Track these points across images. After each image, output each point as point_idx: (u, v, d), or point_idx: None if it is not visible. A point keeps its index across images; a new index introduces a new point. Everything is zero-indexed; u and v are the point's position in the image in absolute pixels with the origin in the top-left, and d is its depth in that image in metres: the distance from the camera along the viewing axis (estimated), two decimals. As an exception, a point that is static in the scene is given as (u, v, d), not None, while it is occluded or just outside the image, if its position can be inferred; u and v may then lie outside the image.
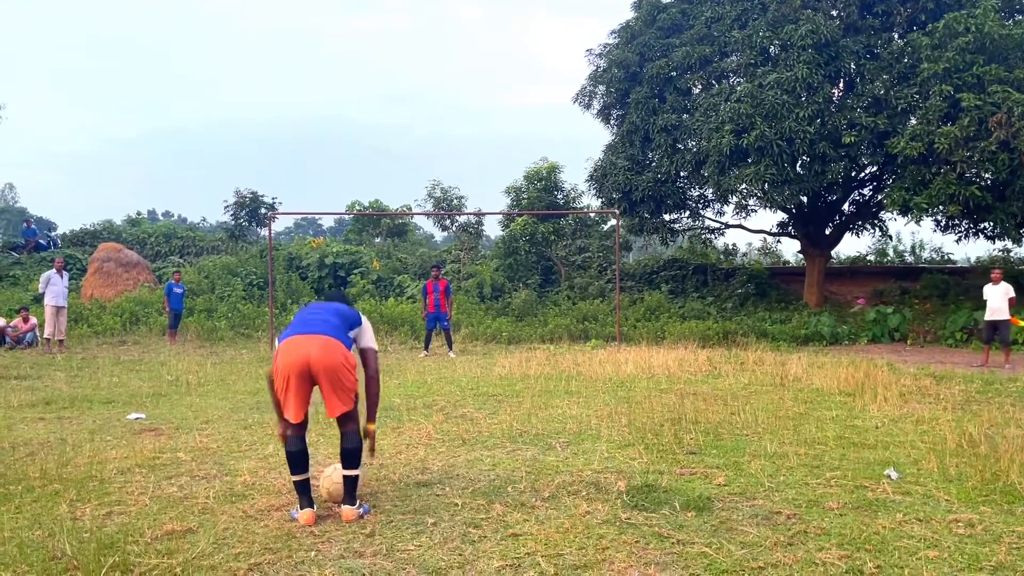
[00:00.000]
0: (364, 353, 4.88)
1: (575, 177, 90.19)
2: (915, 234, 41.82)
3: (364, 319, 4.98)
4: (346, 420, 4.74)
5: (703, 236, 25.56)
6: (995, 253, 25.22)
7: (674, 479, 5.53)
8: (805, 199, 21.57)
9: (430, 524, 4.55)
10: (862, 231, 23.69)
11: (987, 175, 17.88)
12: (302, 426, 4.68)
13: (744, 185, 19.95)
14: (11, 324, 17.53)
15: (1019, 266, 23.87)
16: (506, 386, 10.57)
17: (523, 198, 25.75)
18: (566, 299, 22.78)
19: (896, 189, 18.29)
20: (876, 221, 23.29)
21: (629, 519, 4.61)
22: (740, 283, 23.26)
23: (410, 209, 30.26)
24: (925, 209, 17.96)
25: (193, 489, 5.35)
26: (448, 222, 28.44)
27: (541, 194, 25.52)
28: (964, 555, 3.99)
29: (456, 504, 4.94)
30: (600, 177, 22.83)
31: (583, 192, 25.47)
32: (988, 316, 13.90)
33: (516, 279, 24.55)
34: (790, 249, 41.68)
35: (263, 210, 28.46)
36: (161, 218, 78.57)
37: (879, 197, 21.42)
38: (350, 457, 4.72)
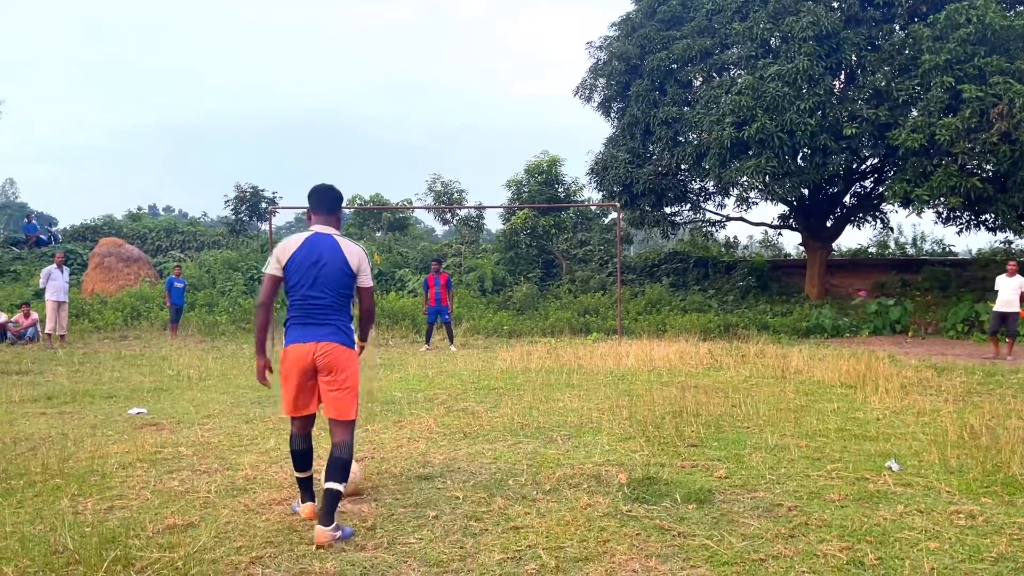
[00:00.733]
0: (361, 292, 4.52)
1: (576, 170, 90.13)
2: (916, 226, 41.89)
3: (363, 251, 4.54)
4: (342, 428, 4.40)
5: (704, 229, 25.53)
6: (996, 245, 25.19)
7: (675, 472, 5.53)
8: (806, 191, 21.54)
9: (431, 517, 4.55)
10: (863, 223, 23.66)
11: (988, 167, 17.85)
12: (307, 424, 4.54)
13: (745, 178, 19.92)
14: (12, 319, 17.55)
15: (1020, 258, 23.82)
16: (507, 379, 10.58)
17: (524, 191, 25.72)
18: (567, 292, 22.77)
19: (897, 181, 18.26)
20: (877, 213, 23.26)
21: (630, 512, 4.62)
22: (741, 276, 23.24)
23: (411, 203, 30.24)
24: (926, 201, 17.93)
25: (194, 483, 5.35)
26: (449, 216, 28.43)
27: (542, 187, 25.49)
28: (965, 546, 3.99)
29: (457, 497, 4.94)
30: (601, 170, 22.79)
31: (584, 185, 25.47)
32: (998, 307, 13.84)
33: (517, 273, 24.53)
34: (791, 242, 41.70)
35: (264, 204, 28.43)
36: (162, 213, 78.56)
37: (880, 189, 21.39)
38: (338, 469, 4.30)
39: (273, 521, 4.50)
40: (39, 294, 17.82)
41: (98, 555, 3.82)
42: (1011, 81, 16.51)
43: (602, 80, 23.37)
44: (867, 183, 22.61)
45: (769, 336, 17.37)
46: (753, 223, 25.11)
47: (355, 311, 4.59)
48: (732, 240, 29.02)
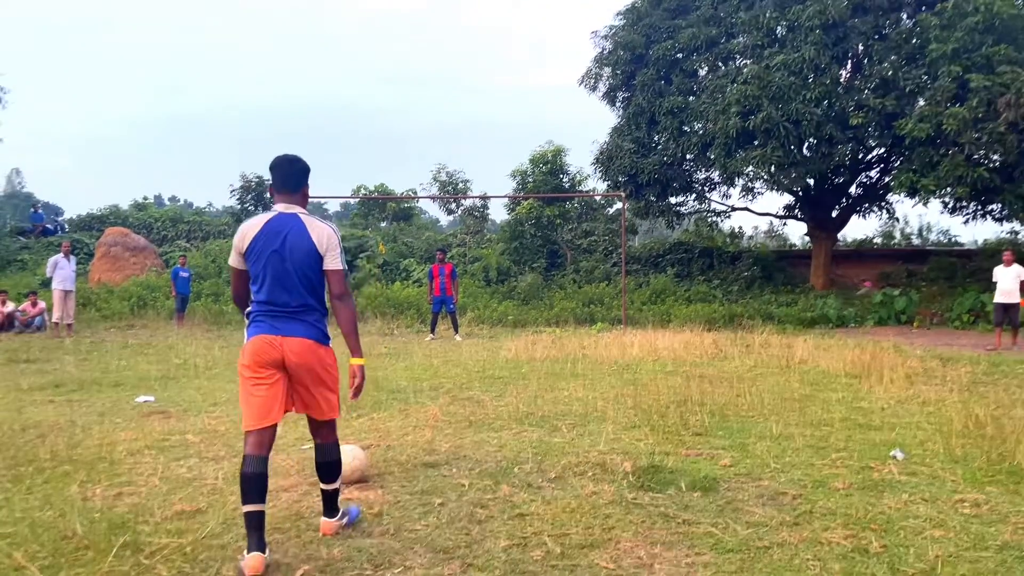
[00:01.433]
0: (329, 277, 3.88)
1: (581, 160, 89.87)
2: (922, 216, 41.78)
3: (332, 231, 3.91)
4: (327, 428, 4.06)
5: (709, 219, 25.51)
6: (1003, 235, 25.11)
7: (680, 460, 5.55)
8: (812, 181, 21.50)
9: (437, 504, 4.58)
10: (869, 213, 23.64)
11: (995, 157, 17.79)
12: (266, 440, 3.83)
13: (750, 167, 19.90)
14: (20, 308, 17.62)
15: (1026, 248, 23.76)
16: (512, 369, 10.60)
17: (529, 181, 25.70)
18: (572, 283, 22.79)
19: (904, 171, 18.22)
20: (883, 203, 23.22)
21: (635, 499, 4.64)
22: (746, 266, 23.23)
23: (415, 193, 30.24)
24: (933, 191, 17.89)
25: (202, 470, 5.38)
26: (454, 206, 28.43)
27: (547, 177, 25.47)
28: (970, 534, 4.00)
29: (463, 485, 4.97)
30: (606, 160, 22.77)
31: (589, 175, 25.44)
32: (998, 298, 13.80)
33: (522, 263, 24.54)
34: (796, 232, 41.62)
35: (268, 195, 28.47)
36: (167, 203, 78.67)
37: (886, 179, 21.34)
38: (330, 471, 4.05)
39: (280, 508, 4.53)
40: (46, 283, 17.89)
41: (107, 540, 3.85)
42: (1019, 70, 16.43)
43: (607, 69, 23.33)
44: (873, 173, 22.56)
45: (774, 326, 17.36)
46: (758, 213, 25.14)
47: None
48: (737, 230, 29.06)
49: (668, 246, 26.02)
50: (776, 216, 25.29)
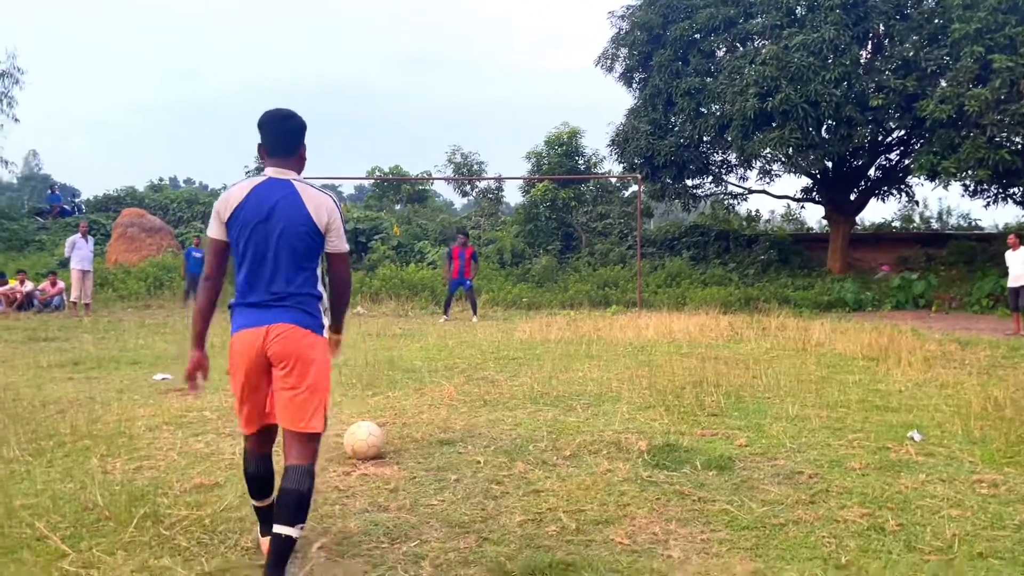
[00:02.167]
0: (332, 260, 3.38)
1: (596, 142, 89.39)
2: (942, 200, 41.30)
3: (333, 202, 3.33)
4: (302, 444, 3.22)
5: (726, 202, 25.34)
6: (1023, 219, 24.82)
7: (695, 440, 5.54)
8: (830, 164, 21.29)
9: (453, 480, 4.60)
10: (888, 197, 23.39)
11: (1018, 139, 17.54)
12: (266, 440, 3.48)
13: (768, 150, 19.72)
14: (39, 287, 17.80)
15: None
16: (527, 350, 10.61)
17: (544, 163, 25.62)
18: (586, 265, 22.74)
19: (924, 153, 18.00)
20: (902, 186, 22.98)
21: (650, 477, 4.64)
22: (763, 249, 23.08)
23: (430, 175, 30.21)
24: (953, 174, 17.68)
25: (219, 446, 5.43)
26: (468, 188, 28.40)
27: (562, 159, 25.38)
28: (987, 514, 3.98)
29: (478, 462, 4.98)
30: (622, 142, 22.64)
31: (604, 157, 25.33)
32: (1011, 283, 13.68)
33: (536, 245, 24.51)
34: (814, 215, 41.29)
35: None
36: (183, 184, 79.00)
37: (906, 162, 21.11)
38: (291, 506, 3.11)
39: (297, 482, 4.56)
40: (64, 263, 18.05)
41: (128, 512, 3.90)
42: (1043, 51, 16.17)
43: (624, 50, 23.14)
44: (893, 155, 22.31)
45: (790, 310, 17.28)
46: (776, 196, 24.90)
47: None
48: (754, 213, 28.83)
49: (684, 229, 25.89)
50: (793, 199, 25.11)
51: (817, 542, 3.62)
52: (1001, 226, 25.68)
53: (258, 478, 3.51)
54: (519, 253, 23.87)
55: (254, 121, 3.39)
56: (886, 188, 23.03)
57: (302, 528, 3.17)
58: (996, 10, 16.78)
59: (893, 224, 27.82)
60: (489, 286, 20.19)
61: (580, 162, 25.91)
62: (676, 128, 21.79)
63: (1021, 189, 19.66)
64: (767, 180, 22.65)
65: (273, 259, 3.20)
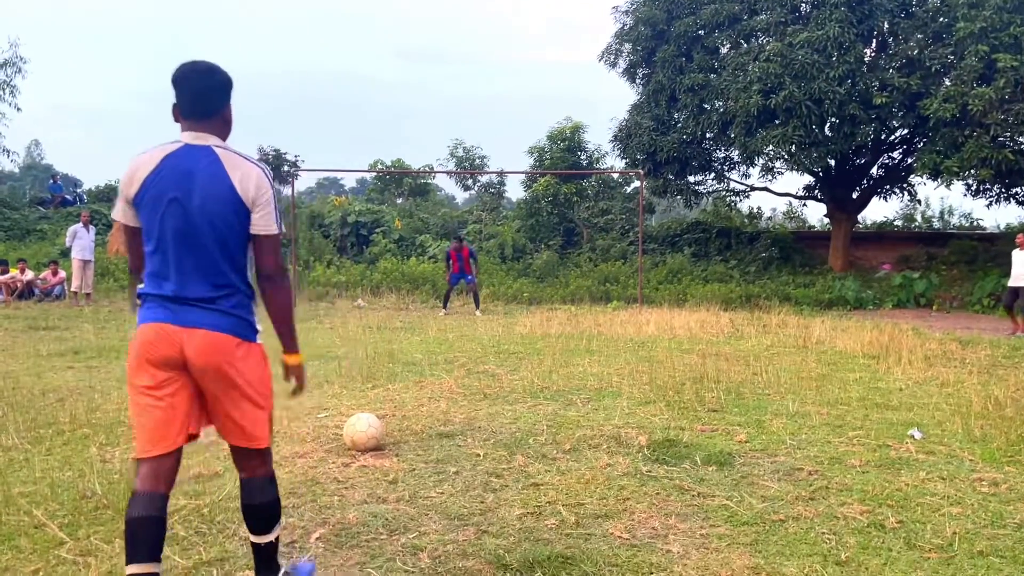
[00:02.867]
0: (259, 244, 2.75)
1: (599, 137, 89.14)
2: (944, 199, 41.08)
3: (263, 172, 2.76)
4: (256, 457, 2.91)
5: (728, 199, 25.29)
6: (1026, 219, 24.77)
7: (695, 435, 5.54)
8: (833, 162, 21.23)
9: (452, 473, 4.59)
10: (890, 195, 23.34)
11: (1021, 139, 17.49)
12: (163, 472, 2.75)
13: (771, 147, 19.66)
14: (40, 277, 17.79)
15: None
16: (527, 344, 10.60)
17: (546, 158, 25.57)
18: (588, 261, 22.70)
19: (927, 152, 17.95)
20: (905, 185, 22.93)
21: (650, 472, 4.63)
22: (764, 247, 23.04)
23: (432, 168, 30.17)
24: (956, 173, 17.64)
25: (219, 436, 5.42)
26: (470, 182, 28.36)
27: (564, 154, 25.33)
28: (987, 512, 3.97)
29: (478, 455, 4.98)
30: (625, 137, 22.59)
31: (607, 153, 25.26)
32: (1012, 282, 13.65)
33: (538, 240, 24.47)
34: (815, 213, 41.21)
35: (285, 168, 28.49)
36: (185, 176, 78.83)
37: (909, 160, 21.06)
38: (263, 517, 2.91)
39: (296, 473, 4.56)
40: (65, 253, 18.03)
41: (126, 500, 3.86)
42: (1048, 50, 16.11)
43: (628, 45, 23.07)
44: (896, 154, 22.25)
45: (791, 307, 17.25)
46: (778, 193, 24.84)
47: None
48: (756, 210, 28.77)
49: (686, 225, 25.84)
50: (796, 196, 25.05)
51: (817, 538, 3.62)
52: (1003, 226, 25.64)
53: (146, 524, 2.65)
54: (520, 248, 23.84)
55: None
56: (888, 187, 22.99)
57: (277, 531, 2.95)
58: (1001, 9, 16.71)
59: (895, 223, 27.78)
60: (490, 281, 20.17)
61: (582, 157, 25.85)
62: (679, 124, 21.73)
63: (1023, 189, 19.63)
64: (769, 177, 22.60)
65: (192, 245, 2.66)
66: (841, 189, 22.38)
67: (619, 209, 26.22)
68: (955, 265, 20.91)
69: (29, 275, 17.60)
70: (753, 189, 24.15)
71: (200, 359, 2.67)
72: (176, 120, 2.80)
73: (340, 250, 23.68)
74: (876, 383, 7.76)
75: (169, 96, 2.80)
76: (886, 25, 19.19)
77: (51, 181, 32.73)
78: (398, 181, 31.51)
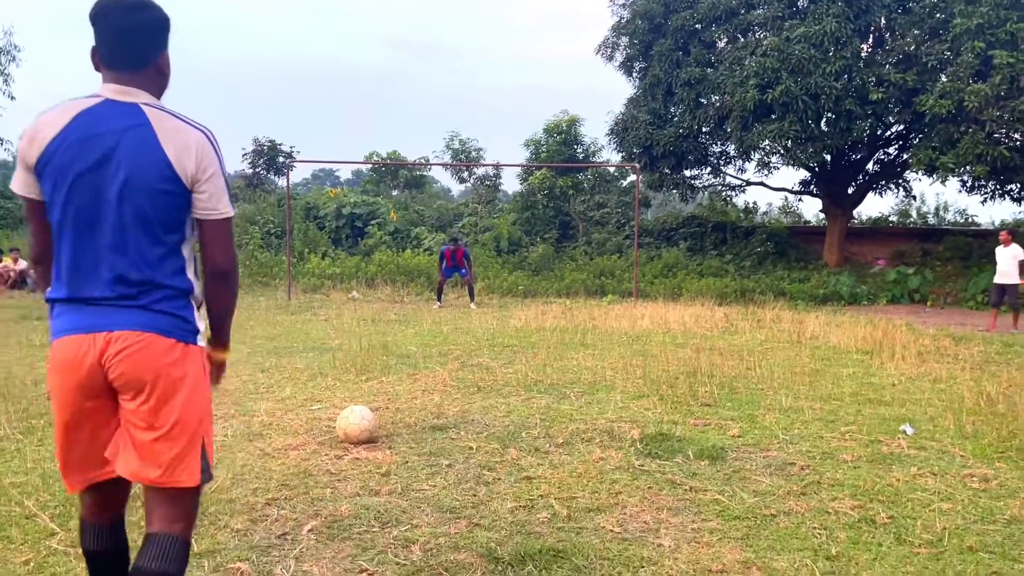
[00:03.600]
0: (204, 229, 2.21)
1: (595, 131, 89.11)
2: (940, 195, 41.06)
3: (206, 138, 2.18)
4: (170, 505, 2.23)
5: (723, 193, 25.30)
6: (1020, 215, 24.83)
7: (688, 430, 5.54)
8: (829, 157, 21.25)
9: (445, 466, 4.60)
10: (885, 191, 23.37)
11: (1016, 136, 17.52)
12: (108, 501, 2.38)
13: (767, 142, 19.65)
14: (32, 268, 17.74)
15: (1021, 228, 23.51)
16: (521, 338, 10.60)
17: (542, 151, 25.53)
18: (583, 254, 22.71)
19: (923, 148, 17.96)
20: (900, 181, 22.96)
21: (642, 466, 4.64)
22: (759, 241, 23.07)
23: (428, 161, 30.12)
24: (951, 169, 17.66)
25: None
26: (466, 174, 28.32)
27: (560, 147, 25.30)
28: (978, 508, 3.98)
29: (471, 447, 4.98)
30: (621, 131, 22.57)
31: (603, 146, 25.24)
32: (997, 279, 13.71)
33: (533, 233, 24.46)
34: (811, 208, 41.26)
35: (281, 159, 28.41)
36: (180, 166, 78.53)
37: (905, 156, 21.06)
38: None
39: (288, 465, 4.56)
40: (59, 243, 17.95)
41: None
42: (1044, 47, 16.13)
43: (625, 39, 23.01)
44: (891, 150, 22.27)
45: (786, 302, 17.28)
46: (774, 188, 24.87)
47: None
48: (751, 205, 28.79)
49: (681, 220, 25.85)
50: (791, 192, 25.06)
51: (808, 533, 3.63)
52: (997, 222, 25.69)
53: (103, 560, 2.36)
54: (516, 241, 23.82)
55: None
56: (884, 182, 23.01)
57: None
58: (998, 5, 16.71)
59: (890, 219, 27.82)
60: (485, 273, 20.16)
61: (579, 151, 25.83)
62: (675, 118, 21.71)
63: (1018, 186, 19.64)
64: (765, 172, 22.56)
65: (112, 229, 2.11)
66: (837, 184, 22.40)
67: (615, 203, 26.21)
68: (949, 261, 20.95)
69: (22, 265, 17.54)
70: (749, 184, 24.17)
71: (120, 365, 2.11)
72: (96, 68, 2.21)
73: (335, 242, 23.64)
74: (869, 378, 7.78)
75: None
76: (883, 20, 19.18)
77: (45, 170, 32.58)
78: (394, 173, 31.45)
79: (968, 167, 17.62)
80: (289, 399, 6.40)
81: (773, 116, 18.80)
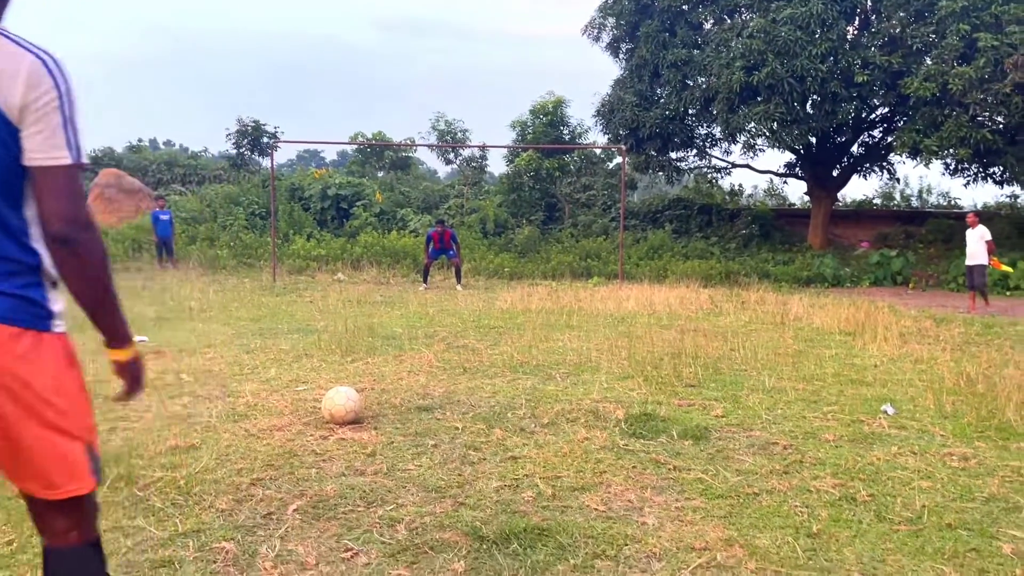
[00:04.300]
0: (40, 179, 1.74)
1: (582, 112, 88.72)
2: (923, 178, 41.24)
3: (44, 63, 1.73)
4: (63, 514, 1.89)
5: (709, 176, 25.33)
6: (1002, 199, 25.03)
7: (672, 410, 5.58)
8: (814, 140, 21.30)
9: (431, 446, 4.61)
10: (870, 174, 23.48)
11: (999, 118, 17.62)
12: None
13: (753, 124, 19.67)
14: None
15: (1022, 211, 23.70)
16: (507, 319, 10.61)
17: (528, 133, 25.44)
18: (569, 236, 22.70)
19: (907, 131, 18.05)
20: (884, 164, 23.06)
21: (627, 446, 4.67)
22: (744, 224, 23.14)
23: (413, 142, 29.93)
24: (935, 152, 17.75)
25: (196, 408, 5.40)
26: (452, 156, 28.18)
27: (547, 129, 25.20)
28: (957, 486, 4.04)
29: (456, 428, 4.99)
30: (607, 113, 22.52)
31: (590, 128, 25.18)
32: (967, 261, 13.88)
33: (519, 215, 24.41)
34: (796, 191, 41.39)
35: (265, 139, 28.16)
36: (162, 147, 77.85)
37: (889, 139, 21.15)
38: None
39: (274, 446, 4.55)
40: (40, 223, 17.75)
41: (101, 472, 3.87)
42: (1028, 30, 16.19)
43: (611, 19, 22.91)
44: (876, 132, 22.34)
45: (770, 284, 17.38)
46: (759, 171, 24.90)
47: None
48: (737, 188, 28.83)
49: (667, 202, 25.86)
50: (777, 174, 25.13)
51: (790, 511, 3.67)
52: (980, 205, 25.88)
53: None
54: (502, 223, 23.77)
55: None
56: (868, 165, 23.11)
57: None
58: (983, -12, 16.78)
59: (874, 201, 27.95)
60: (471, 255, 20.13)
61: (565, 132, 25.74)
62: (662, 100, 21.68)
63: (1001, 169, 19.77)
64: (751, 155, 22.63)
65: None
66: (821, 167, 22.48)
67: (601, 185, 26.19)
68: (932, 244, 21.11)
69: None
70: (735, 166, 24.21)
71: None
72: None
73: (320, 223, 23.50)
74: (851, 359, 7.85)
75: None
76: (868, 2, 19.18)
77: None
78: (379, 154, 31.25)
79: (951, 150, 17.73)
80: (274, 380, 6.38)
81: (759, 98, 18.81)
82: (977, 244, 13.55)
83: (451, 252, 15.93)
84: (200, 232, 21.50)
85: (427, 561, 3.10)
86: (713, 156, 23.98)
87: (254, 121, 28.41)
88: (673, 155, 23.16)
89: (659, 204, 25.71)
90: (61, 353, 1.84)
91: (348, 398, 5.05)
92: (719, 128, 21.62)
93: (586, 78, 35.66)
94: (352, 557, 3.13)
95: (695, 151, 23.48)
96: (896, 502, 3.79)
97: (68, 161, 1.73)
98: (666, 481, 4.08)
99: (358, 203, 24.22)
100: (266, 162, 29.75)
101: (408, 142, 29.87)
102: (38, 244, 1.81)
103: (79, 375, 1.89)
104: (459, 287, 15.70)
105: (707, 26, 21.45)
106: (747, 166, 23.65)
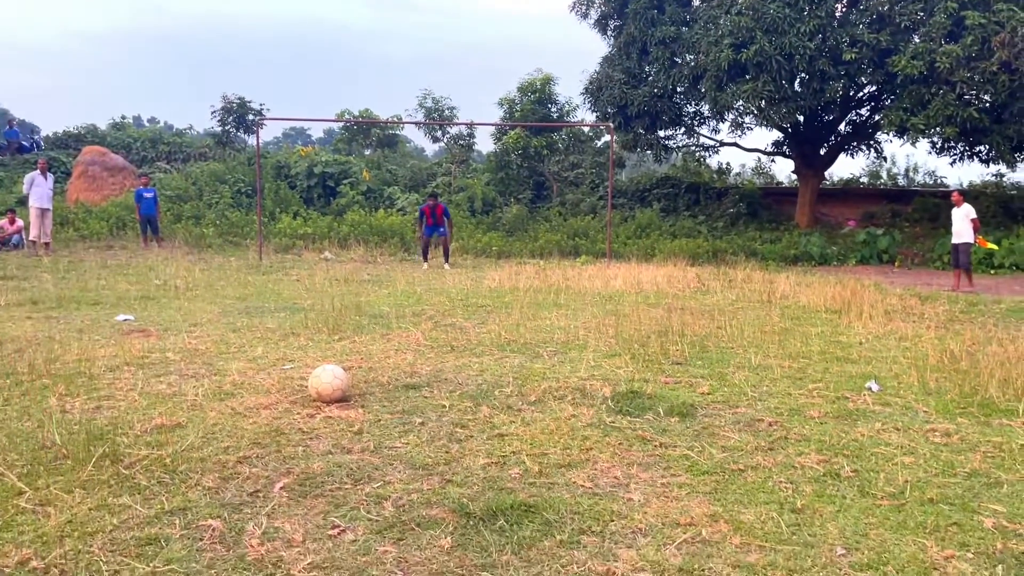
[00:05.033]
0: None
1: (570, 90, 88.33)
2: (910, 157, 41.44)
3: None
4: None
5: (697, 154, 25.30)
6: (988, 177, 25.14)
7: (659, 387, 5.60)
8: (802, 118, 21.29)
9: (418, 424, 4.61)
10: (857, 152, 23.50)
11: (986, 97, 17.64)
12: None
13: (741, 102, 19.63)
14: (-3, 226, 17.35)
15: (1011, 191, 23.82)
16: (495, 298, 10.60)
17: (516, 110, 25.30)
18: (557, 215, 22.67)
19: (894, 109, 18.05)
20: (872, 142, 23.09)
21: (613, 423, 4.69)
22: (732, 202, 23.16)
23: (400, 119, 29.72)
24: (922, 130, 17.78)
25: (182, 387, 5.38)
26: (439, 133, 28.01)
27: (535, 107, 25.07)
28: (939, 461, 4.08)
29: (444, 406, 5.00)
30: (595, 90, 22.39)
31: (578, 106, 25.04)
32: (953, 239, 13.96)
33: (507, 194, 24.33)
34: (783, 170, 41.43)
35: (251, 116, 27.88)
36: (146, 124, 76.97)
37: (876, 118, 21.16)
38: None
39: (260, 424, 4.54)
40: (23, 201, 17.57)
41: (86, 450, 3.85)
42: (1015, 8, 16.20)
43: (599, -4, 22.72)
44: (863, 111, 22.34)
45: (757, 262, 17.42)
46: (747, 149, 24.91)
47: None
48: (725, 166, 28.83)
49: (655, 180, 25.84)
50: (764, 152, 25.13)
51: (774, 487, 3.70)
52: (966, 184, 25.99)
53: None
54: (490, 201, 23.69)
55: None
56: (855, 143, 23.14)
57: None
58: (972, -34, 16.73)
59: (861, 180, 28.03)
60: (459, 234, 20.06)
61: (553, 110, 25.61)
62: (650, 78, 21.58)
63: (987, 147, 19.83)
64: (739, 133, 22.58)
65: None
66: (809, 145, 22.49)
67: (589, 163, 26.12)
68: (918, 222, 21.22)
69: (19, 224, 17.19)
70: (722, 144, 24.18)
71: None
72: None
73: (306, 201, 23.35)
74: (837, 337, 7.90)
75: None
76: (858, -20, 19.11)
77: (7, 127, 31.73)
78: (366, 132, 31.02)
79: (938, 128, 17.76)
80: (261, 358, 6.36)
81: (747, 76, 18.75)
82: (962, 222, 13.63)
83: (442, 229, 15.92)
84: (185, 210, 21.31)
85: (414, 537, 3.11)
86: (701, 134, 23.95)
87: (239, 98, 28.13)
88: (661, 133, 23.09)
89: (647, 183, 25.69)
90: None
91: (335, 376, 5.04)
92: (707, 106, 21.56)
93: (574, 56, 35.44)
94: (339, 534, 3.13)
95: (683, 129, 23.42)
96: (879, 477, 3.83)
97: None
98: (652, 458, 4.10)
99: (345, 181, 24.06)
100: (252, 140, 29.49)
101: (395, 119, 29.66)
102: None
103: None
104: (446, 266, 15.68)
105: (695, 3, 21.32)
106: (735, 144, 23.65)
